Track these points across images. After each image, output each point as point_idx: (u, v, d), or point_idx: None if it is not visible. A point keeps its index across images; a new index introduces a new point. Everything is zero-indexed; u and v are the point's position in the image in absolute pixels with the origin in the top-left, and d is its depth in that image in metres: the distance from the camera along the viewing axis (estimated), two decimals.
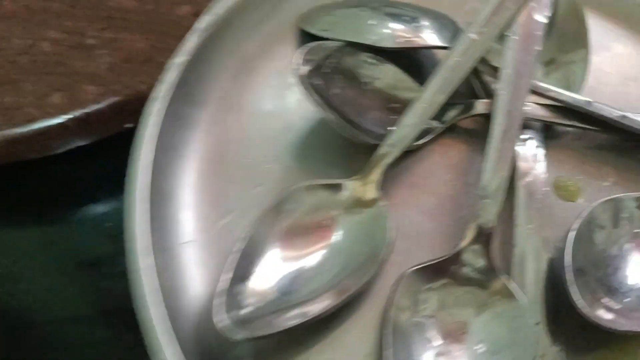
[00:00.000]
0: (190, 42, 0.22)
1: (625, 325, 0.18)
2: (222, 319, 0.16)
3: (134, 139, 0.19)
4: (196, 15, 0.31)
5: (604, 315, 0.18)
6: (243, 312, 0.16)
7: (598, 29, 0.26)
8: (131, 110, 0.28)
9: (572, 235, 0.19)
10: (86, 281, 0.27)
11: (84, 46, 0.30)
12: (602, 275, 0.19)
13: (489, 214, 0.19)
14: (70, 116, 0.28)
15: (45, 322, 0.26)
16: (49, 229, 0.29)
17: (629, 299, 0.18)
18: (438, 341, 0.17)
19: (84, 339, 0.26)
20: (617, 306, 0.18)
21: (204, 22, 0.23)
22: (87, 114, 0.28)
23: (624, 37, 0.26)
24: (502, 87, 0.21)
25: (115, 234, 0.28)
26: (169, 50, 0.29)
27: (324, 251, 0.18)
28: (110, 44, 0.30)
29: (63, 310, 0.27)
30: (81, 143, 0.29)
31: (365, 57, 0.22)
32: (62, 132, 0.28)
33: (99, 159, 0.29)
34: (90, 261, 0.28)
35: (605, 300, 0.18)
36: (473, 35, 0.22)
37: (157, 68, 0.28)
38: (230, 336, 0.16)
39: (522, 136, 0.22)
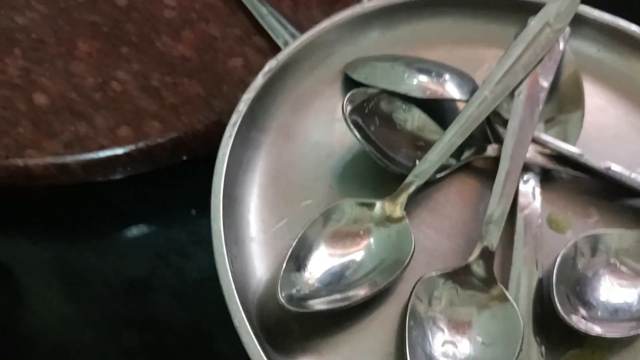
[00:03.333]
0: (258, 81, 0.29)
1: (595, 330, 0.23)
2: (282, 296, 0.22)
3: (217, 157, 0.26)
4: (246, 67, 0.38)
5: (579, 322, 0.23)
6: (297, 293, 0.22)
7: (594, 93, 0.32)
8: (187, 145, 0.34)
9: (559, 259, 0.25)
10: (138, 298, 0.31)
11: (149, 87, 0.36)
12: (580, 292, 0.25)
13: (492, 237, 0.25)
14: (134, 147, 0.33)
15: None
16: (103, 247, 0.33)
17: (599, 311, 0.24)
18: (447, 331, 0.23)
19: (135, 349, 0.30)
20: (590, 316, 0.24)
21: (268, 65, 0.29)
22: (150, 147, 0.33)
23: (615, 102, 0.33)
24: (508, 137, 0.28)
25: (163, 254, 0.33)
26: (222, 96, 0.36)
27: (359, 253, 0.25)
28: (172, 88, 0.36)
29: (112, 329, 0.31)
30: (142, 170, 0.34)
31: (398, 103, 0.29)
32: (127, 160, 0.33)
33: (154, 185, 0.35)
34: (142, 279, 0.32)
35: (581, 311, 0.24)
36: (487, 92, 0.28)
37: (212, 111, 0.35)
38: (288, 308, 0.22)
39: (524, 177, 0.28)
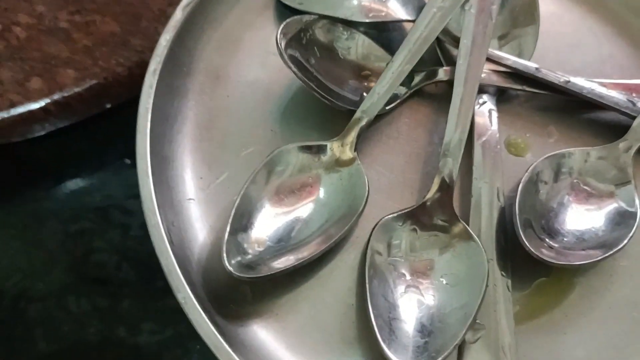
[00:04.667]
0: (176, 17, 0.25)
1: (561, 259, 0.23)
2: (229, 264, 0.20)
3: (138, 111, 0.23)
4: None
5: (545, 252, 0.23)
6: (245, 257, 0.21)
7: (547, 1, 0.30)
8: (109, 92, 0.31)
9: (520, 187, 0.24)
10: (80, 252, 0.30)
11: (57, 30, 0.32)
12: (544, 221, 0.24)
13: (450, 169, 0.24)
14: (50, 100, 0.30)
15: (37, 296, 0.29)
16: (37, 205, 0.31)
17: (564, 240, 0.24)
18: (409, 276, 0.22)
19: (82, 309, 0.29)
20: (555, 245, 0.23)
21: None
22: (67, 98, 0.30)
23: (571, 7, 0.31)
24: (460, 57, 0.26)
25: (101, 207, 0.31)
26: (142, 33, 0.32)
27: (310, 205, 0.23)
28: (83, 28, 0.32)
29: (53, 283, 0.29)
30: (62, 125, 0.31)
31: (339, 29, 0.26)
32: (43, 116, 0.30)
33: (80, 137, 0.32)
34: (79, 232, 0.30)
35: (546, 240, 0.23)
36: (434, 9, 0.26)
37: (132, 50, 0.32)
38: (237, 277, 0.20)
39: (479, 100, 0.27)
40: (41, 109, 0.30)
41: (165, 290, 0.23)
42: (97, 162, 0.33)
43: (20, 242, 0.31)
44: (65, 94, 0.30)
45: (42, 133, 0.31)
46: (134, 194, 0.31)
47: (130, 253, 0.31)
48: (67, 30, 0.32)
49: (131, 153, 0.32)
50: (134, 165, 0.32)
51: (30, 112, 0.30)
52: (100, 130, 0.33)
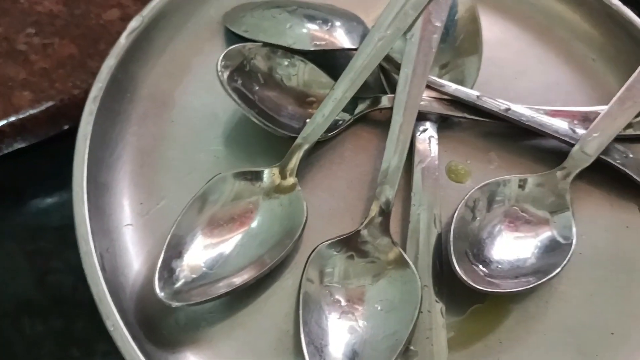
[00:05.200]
0: (120, 44, 0.26)
1: (494, 287, 0.23)
2: (161, 291, 0.21)
3: (77, 137, 0.23)
4: (124, 19, 0.35)
5: (477, 280, 0.23)
6: (178, 284, 0.21)
7: (494, 27, 0.31)
8: (66, 113, 0.31)
9: (456, 215, 0.25)
10: (36, 272, 0.30)
11: (14, 52, 0.32)
12: (477, 248, 0.24)
13: (387, 196, 0.25)
14: (5, 122, 0.30)
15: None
16: None
17: (498, 267, 0.24)
18: (344, 302, 0.23)
19: (36, 330, 0.28)
20: (488, 273, 0.24)
21: (132, 25, 0.27)
22: (23, 120, 0.31)
23: (517, 34, 0.32)
24: (400, 85, 0.26)
25: (59, 227, 0.31)
26: (100, 55, 0.33)
27: (245, 232, 0.23)
28: (41, 50, 0.32)
29: (16, 303, 0.29)
30: (19, 146, 0.31)
31: (282, 57, 0.27)
32: None
33: (41, 157, 0.32)
34: (38, 252, 0.30)
35: (480, 268, 0.24)
36: (376, 38, 0.27)
37: (89, 73, 0.32)
38: (168, 304, 0.20)
39: (420, 127, 0.27)
40: None
41: None
42: (57, 182, 0.34)
43: None
44: (21, 116, 0.31)
45: None
46: None
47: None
48: (24, 52, 0.33)
49: None
50: None
51: None
52: (62, 150, 0.34)
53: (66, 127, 0.32)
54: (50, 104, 0.31)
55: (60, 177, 0.33)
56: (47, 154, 0.33)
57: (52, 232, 0.32)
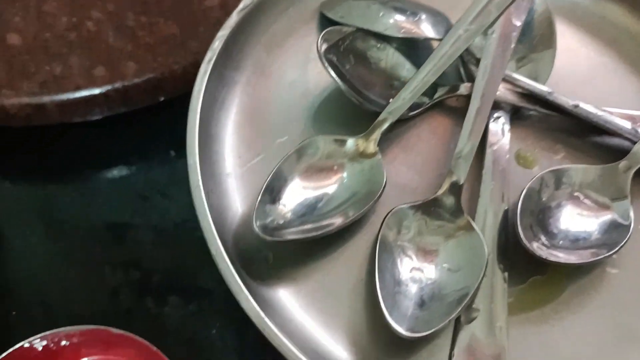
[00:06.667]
0: (232, 19, 0.30)
1: (554, 257, 0.25)
2: (257, 225, 0.24)
3: (192, 93, 0.27)
4: (223, 7, 0.38)
5: (540, 250, 0.26)
6: (272, 223, 0.24)
7: (567, 34, 0.34)
8: (163, 87, 0.35)
9: (525, 191, 0.27)
10: (122, 239, 0.33)
11: (124, 27, 0.36)
12: (542, 221, 0.27)
13: (461, 171, 0.27)
14: (111, 87, 0.34)
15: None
16: (84, 188, 0.35)
17: (560, 240, 0.26)
18: (415, 258, 0.25)
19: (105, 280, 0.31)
20: (551, 244, 0.26)
21: (243, 3, 0.30)
22: (126, 87, 0.34)
23: (587, 43, 0.34)
24: (480, 75, 0.29)
25: (144, 195, 0.35)
26: (199, 37, 0.36)
27: (332, 187, 0.26)
28: (147, 28, 0.36)
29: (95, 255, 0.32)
30: (119, 111, 0.35)
31: (373, 41, 0.30)
32: (104, 100, 0.34)
33: (133, 127, 0.36)
34: (125, 219, 0.33)
35: (543, 239, 0.26)
36: (460, 31, 0.30)
37: (188, 52, 0.36)
38: (263, 237, 0.23)
39: (494, 114, 0.30)
40: (102, 94, 0.34)
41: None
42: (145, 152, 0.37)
43: (62, 220, 0.33)
44: (126, 83, 0.34)
45: (100, 117, 0.35)
46: (176, 180, 0.35)
47: (165, 234, 0.34)
48: (132, 28, 0.37)
49: (176, 145, 0.36)
50: (178, 156, 0.36)
51: (93, 95, 0.34)
52: (151, 122, 0.37)
53: (161, 98, 0.36)
54: (151, 75, 0.35)
55: (148, 148, 0.37)
56: (137, 124, 0.36)
57: (135, 198, 0.35)
